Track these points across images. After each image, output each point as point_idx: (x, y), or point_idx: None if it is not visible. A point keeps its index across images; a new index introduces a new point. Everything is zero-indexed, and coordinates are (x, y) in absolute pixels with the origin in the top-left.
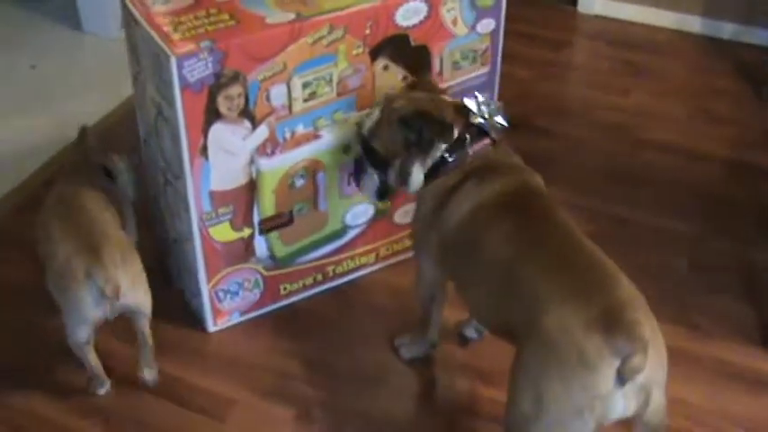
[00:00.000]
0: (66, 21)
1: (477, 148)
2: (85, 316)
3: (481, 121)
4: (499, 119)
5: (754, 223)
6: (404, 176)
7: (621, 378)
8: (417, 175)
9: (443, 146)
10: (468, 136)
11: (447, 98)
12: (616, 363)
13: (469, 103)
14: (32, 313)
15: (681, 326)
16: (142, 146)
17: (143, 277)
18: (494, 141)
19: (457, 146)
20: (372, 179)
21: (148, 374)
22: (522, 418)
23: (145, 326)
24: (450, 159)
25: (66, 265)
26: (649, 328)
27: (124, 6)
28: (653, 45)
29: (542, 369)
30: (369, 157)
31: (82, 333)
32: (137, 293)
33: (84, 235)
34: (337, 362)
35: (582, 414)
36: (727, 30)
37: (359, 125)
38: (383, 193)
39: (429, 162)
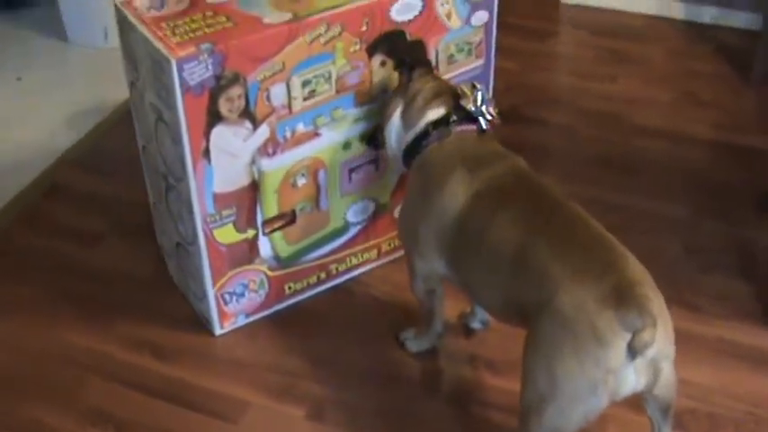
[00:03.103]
0: (50, 31)
1: (461, 129)
2: None
3: (471, 107)
4: (490, 109)
5: (746, 203)
6: (386, 116)
7: (632, 352)
8: (394, 129)
9: (427, 119)
10: (455, 117)
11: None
12: (627, 337)
13: (465, 88)
14: (46, 326)
15: (681, 307)
16: (140, 152)
17: None
18: (481, 130)
19: (441, 123)
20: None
21: None
22: (537, 400)
23: None
24: (432, 132)
25: None
26: (658, 304)
27: (118, 13)
28: (635, 32)
29: (556, 346)
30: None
31: None
32: None
33: None
34: (345, 359)
35: (596, 390)
36: (708, 14)
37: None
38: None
39: (414, 130)
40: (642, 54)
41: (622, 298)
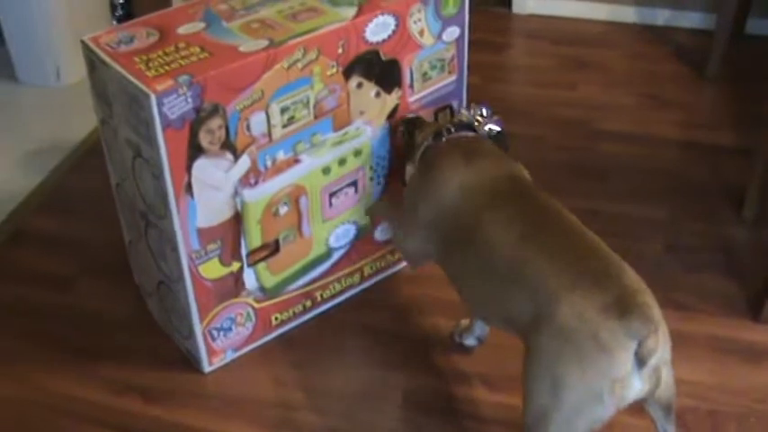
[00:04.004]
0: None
1: (456, 135)
2: None
3: (462, 119)
4: (492, 125)
5: (720, 200)
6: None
7: (639, 361)
8: (408, 172)
9: (429, 139)
10: (451, 128)
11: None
12: (632, 345)
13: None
14: (27, 376)
15: (669, 308)
16: (114, 190)
17: None
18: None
19: (438, 135)
20: None
21: None
22: (540, 412)
23: None
24: (432, 143)
25: None
26: (657, 311)
27: (86, 49)
28: (591, 38)
29: (558, 357)
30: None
31: None
32: None
33: None
34: (339, 385)
35: (602, 398)
36: (661, 16)
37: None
38: None
39: (417, 156)
40: (600, 60)
41: (625, 307)
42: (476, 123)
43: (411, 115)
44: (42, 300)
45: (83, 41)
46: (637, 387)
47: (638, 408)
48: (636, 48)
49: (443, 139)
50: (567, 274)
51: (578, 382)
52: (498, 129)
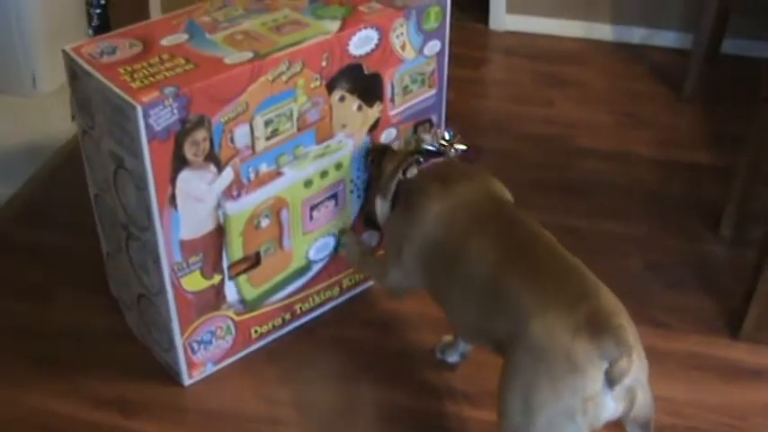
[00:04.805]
0: None
1: (428, 164)
2: None
3: (429, 147)
4: (458, 145)
5: (696, 217)
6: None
7: (610, 381)
8: (381, 207)
9: (399, 174)
10: (420, 159)
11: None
12: (604, 365)
13: (423, 134)
14: (4, 390)
15: (647, 325)
16: (93, 201)
17: None
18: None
19: (410, 166)
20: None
21: None
22: (514, 429)
23: None
24: (404, 178)
25: None
26: (633, 333)
27: (67, 59)
28: (568, 55)
29: (531, 374)
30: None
31: None
32: None
33: None
34: (319, 399)
35: (574, 417)
36: (637, 34)
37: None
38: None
39: (390, 192)
40: (577, 77)
41: (598, 327)
42: (442, 149)
43: (379, 144)
44: (17, 312)
45: (64, 51)
46: (610, 407)
47: (617, 423)
48: (612, 66)
49: (416, 171)
50: (543, 294)
51: (550, 400)
52: (464, 147)
